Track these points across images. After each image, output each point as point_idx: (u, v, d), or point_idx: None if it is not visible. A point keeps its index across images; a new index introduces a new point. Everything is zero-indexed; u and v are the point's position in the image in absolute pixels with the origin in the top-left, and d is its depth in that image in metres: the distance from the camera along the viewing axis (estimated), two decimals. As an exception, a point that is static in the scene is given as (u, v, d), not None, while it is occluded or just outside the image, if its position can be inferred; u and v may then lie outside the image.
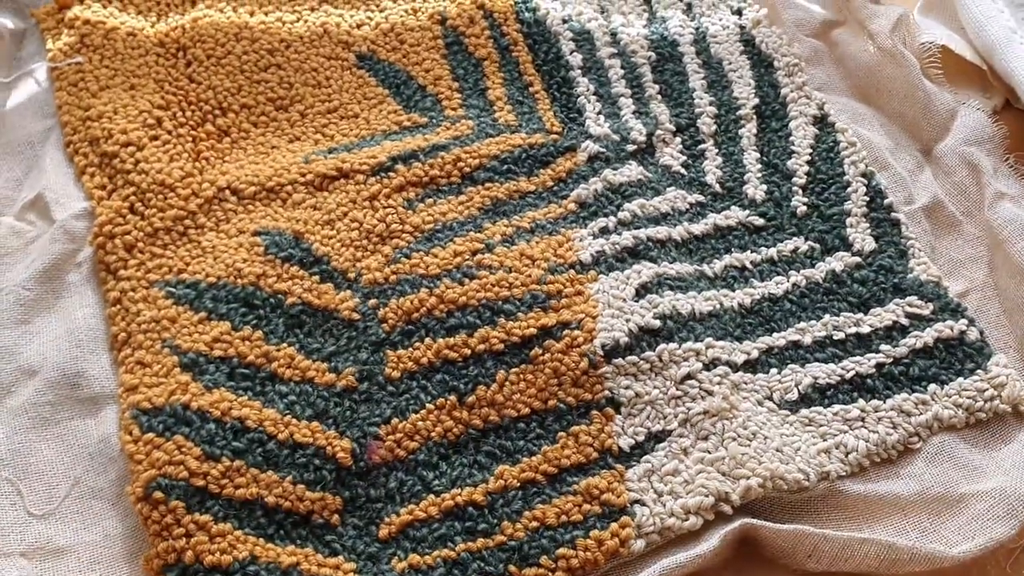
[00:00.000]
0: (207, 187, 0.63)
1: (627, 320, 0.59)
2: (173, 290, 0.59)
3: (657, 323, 0.59)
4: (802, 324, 0.60)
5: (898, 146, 0.70)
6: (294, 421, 0.55)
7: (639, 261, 0.62)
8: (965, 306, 0.61)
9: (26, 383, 0.56)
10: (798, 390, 0.58)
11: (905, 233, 0.64)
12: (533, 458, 0.55)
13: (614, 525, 0.52)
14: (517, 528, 0.52)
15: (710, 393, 0.56)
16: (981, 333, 0.60)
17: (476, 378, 0.57)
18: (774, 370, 0.59)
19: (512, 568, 0.51)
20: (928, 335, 0.60)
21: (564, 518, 0.53)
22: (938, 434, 0.57)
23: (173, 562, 0.50)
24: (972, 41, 0.72)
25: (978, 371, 0.58)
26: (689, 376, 0.57)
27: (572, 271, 0.61)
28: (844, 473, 0.55)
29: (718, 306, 0.61)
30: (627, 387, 0.57)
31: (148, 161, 0.63)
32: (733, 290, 0.62)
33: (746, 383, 0.58)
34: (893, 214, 0.65)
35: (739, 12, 0.76)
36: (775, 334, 0.60)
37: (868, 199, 0.66)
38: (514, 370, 0.57)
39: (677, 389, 0.57)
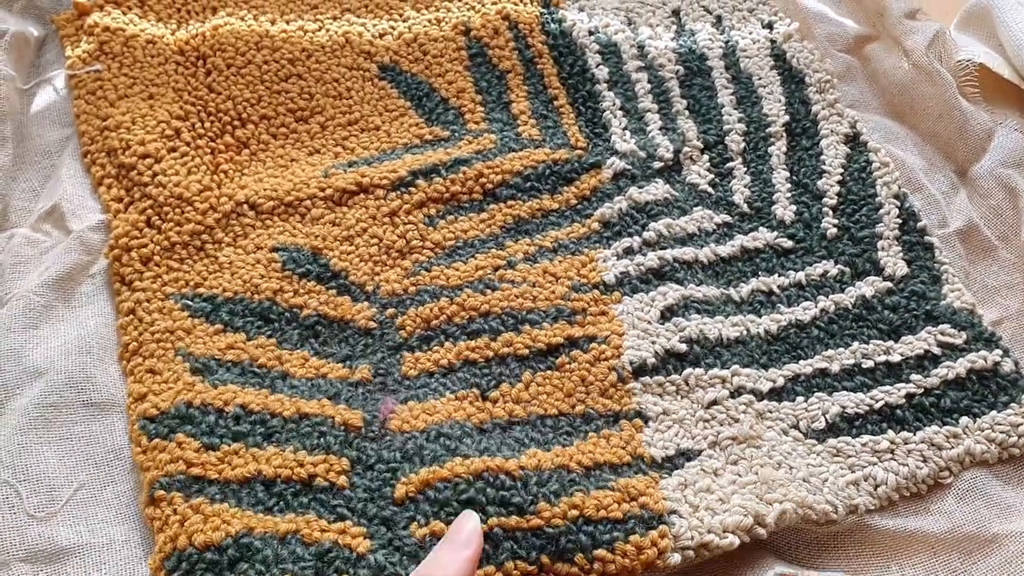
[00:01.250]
0: (225, 201, 0.62)
1: (653, 342, 0.57)
2: (190, 303, 0.58)
3: (684, 347, 0.57)
4: (830, 352, 0.59)
5: (932, 167, 0.68)
6: (302, 400, 0.53)
7: (664, 283, 0.60)
8: (999, 336, 0.59)
9: (31, 385, 0.55)
10: (825, 419, 0.56)
11: (939, 258, 0.63)
12: (566, 449, 0.53)
13: (653, 533, 0.50)
14: (556, 512, 0.49)
15: (737, 420, 0.55)
16: (1016, 364, 0.58)
17: (500, 377, 0.56)
18: (800, 398, 0.57)
19: (545, 559, 0.48)
20: (960, 366, 0.58)
21: (603, 513, 0.50)
22: (969, 469, 0.55)
23: (170, 552, 0.48)
24: (1011, 60, 0.70)
25: (1012, 404, 0.57)
26: (715, 402, 0.56)
27: (596, 291, 0.60)
28: (872, 507, 0.53)
29: (744, 332, 0.59)
30: (655, 404, 0.56)
31: (166, 174, 0.62)
32: (760, 316, 0.60)
33: (771, 411, 0.56)
34: (926, 238, 0.63)
35: (770, 26, 0.74)
36: (802, 361, 0.58)
37: (900, 221, 0.64)
38: (540, 373, 0.56)
39: (705, 412, 0.55)
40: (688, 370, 0.57)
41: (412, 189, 0.63)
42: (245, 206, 0.62)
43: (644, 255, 0.62)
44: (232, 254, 0.60)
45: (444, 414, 0.54)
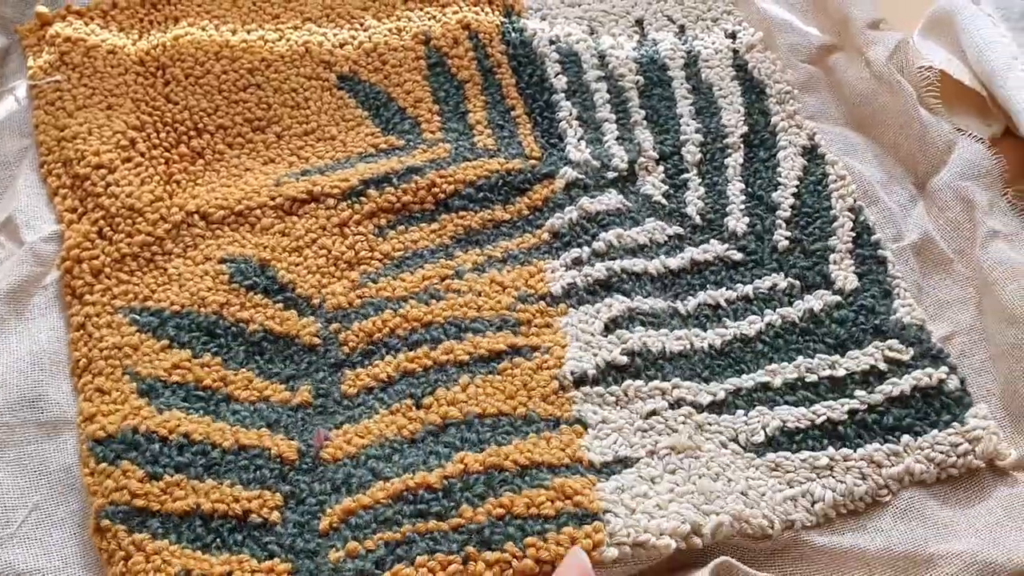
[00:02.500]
0: (176, 212, 0.63)
1: (595, 354, 0.58)
2: (137, 317, 0.59)
3: (624, 359, 0.57)
4: (773, 366, 0.58)
5: (891, 179, 0.68)
6: (243, 430, 0.54)
7: (611, 294, 0.60)
8: (947, 352, 0.59)
9: None
10: (765, 433, 0.56)
11: (891, 272, 0.62)
12: (501, 448, 0.53)
13: (587, 527, 0.50)
14: (479, 512, 0.50)
15: (675, 431, 0.55)
16: (962, 382, 0.58)
17: (436, 383, 0.56)
18: (741, 411, 0.57)
19: (471, 549, 0.49)
20: (906, 383, 0.57)
21: (535, 510, 0.51)
22: (908, 488, 0.54)
23: None
24: (971, 66, 0.69)
25: (954, 423, 0.56)
26: (655, 412, 0.56)
27: (543, 302, 0.60)
28: (809, 523, 0.53)
29: (688, 346, 0.59)
30: (595, 412, 0.56)
31: (119, 184, 0.63)
32: (705, 330, 0.60)
33: (710, 424, 0.56)
34: (879, 251, 0.63)
35: (733, 36, 0.74)
36: (744, 375, 0.58)
37: (854, 235, 0.64)
38: (480, 376, 0.56)
39: (644, 423, 0.56)
40: (628, 382, 0.57)
41: (363, 199, 0.64)
42: (196, 216, 0.63)
43: (592, 266, 0.62)
44: (181, 266, 0.61)
45: (376, 434, 0.54)
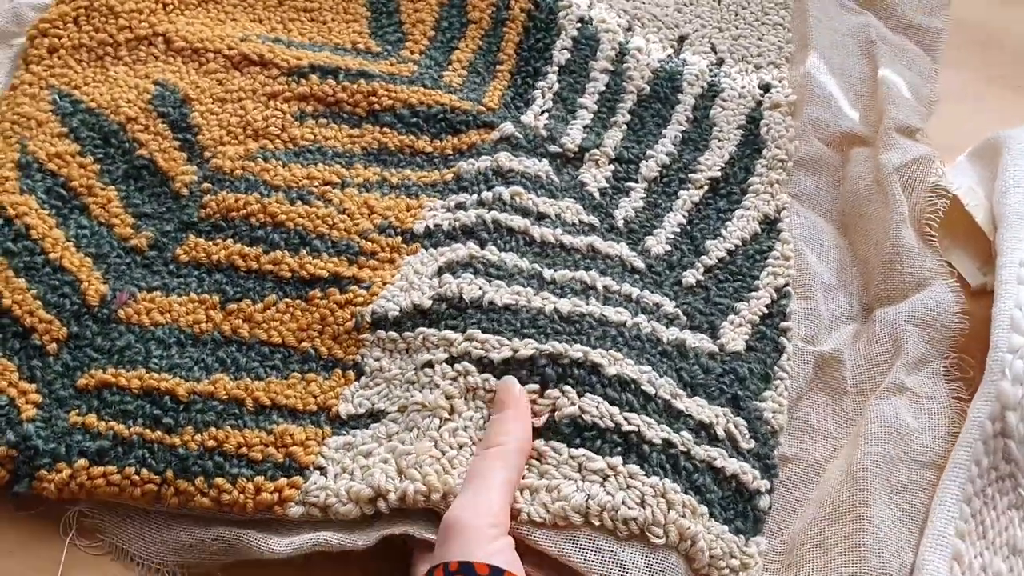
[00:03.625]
0: (145, 27, 0.65)
1: (408, 295, 0.55)
2: (58, 99, 0.62)
3: (429, 303, 0.55)
4: (616, 354, 0.52)
5: (840, 287, 0.61)
6: (72, 249, 0.56)
7: (466, 240, 0.58)
8: (777, 472, 0.53)
9: None
10: (552, 418, 0.50)
11: (781, 363, 0.56)
12: (255, 382, 0.53)
13: (283, 480, 0.50)
14: (195, 438, 0.51)
15: (437, 387, 0.52)
16: (768, 509, 0.52)
17: (248, 292, 0.56)
18: (536, 384, 0.51)
19: (169, 473, 0.50)
20: (731, 465, 0.51)
21: (243, 451, 0.51)
22: (661, 552, 0.48)
23: None
24: (993, 204, 0.61)
25: (739, 536, 0.50)
26: (430, 364, 0.53)
27: (400, 238, 0.58)
28: (540, 520, 0.48)
29: (522, 301, 0.55)
30: (376, 359, 0.54)
31: (114, -16, 0.66)
32: (561, 297, 0.55)
33: (489, 387, 0.51)
34: (782, 339, 0.57)
35: (766, 88, 0.68)
36: (575, 346, 0.52)
37: (766, 312, 0.58)
38: (286, 300, 0.56)
39: (414, 374, 0.53)
40: (421, 328, 0.54)
41: (303, 81, 0.64)
42: (160, 38, 0.65)
43: (467, 212, 0.59)
44: (122, 73, 0.63)
45: (173, 316, 0.55)
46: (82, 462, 0.50)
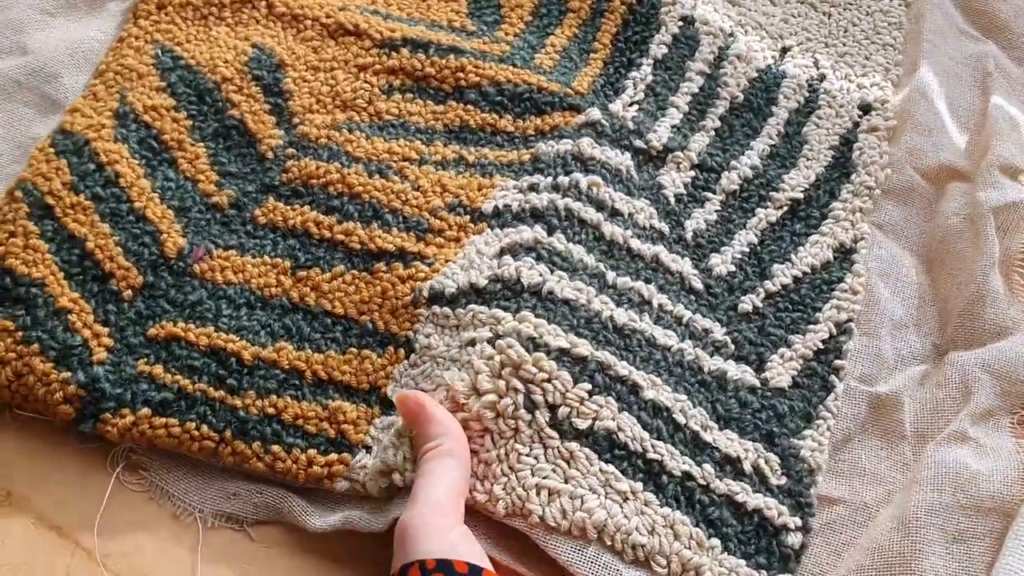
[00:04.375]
0: (252, -13, 0.66)
1: (467, 274, 0.55)
2: (160, 54, 0.64)
3: (484, 282, 0.55)
4: (656, 379, 0.53)
5: (912, 327, 0.59)
6: (156, 201, 0.58)
7: (534, 224, 0.57)
8: (813, 511, 0.51)
9: (12, 58, 0.63)
10: (592, 423, 0.50)
11: (828, 403, 0.55)
12: (315, 355, 0.54)
13: (334, 455, 0.51)
14: (256, 403, 0.52)
15: (469, 364, 0.51)
16: (802, 548, 0.50)
17: (318, 260, 0.57)
18: (586, 384, 0.51)
19: (228, 433, 0.52)
20: (754, 501, 0.51)
21: (300, 421, 0.52)
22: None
23: None
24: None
25: (760, 570, 0.49)
26: (473, 343, 0.52)
27: (468, 217, 0.59)
28: (554, 524, 0.48)
29: (582, 300, 0.54)
30: (427, 336, 0.54)
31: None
32: (618, 306, 0.55)
33: (536, 371, 0.50)
34: (831, 377, 0.55)
35: (866, 109, 0.66)
36: (620, 362, 0.52)
37: (821, 347, 0.57)
38: (352, 272, 0.57)
39: (458, 352, 0.53)
40: (473, 306, 0.54)
41: (394, 54, 0.64)
42: (263, 2, 0.66)
43: (539, 195, 0.59)
44: (223, 33, 0.65)
45: (245, 277, 0.56)
46: (145, 411, 0.52)
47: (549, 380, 0.50)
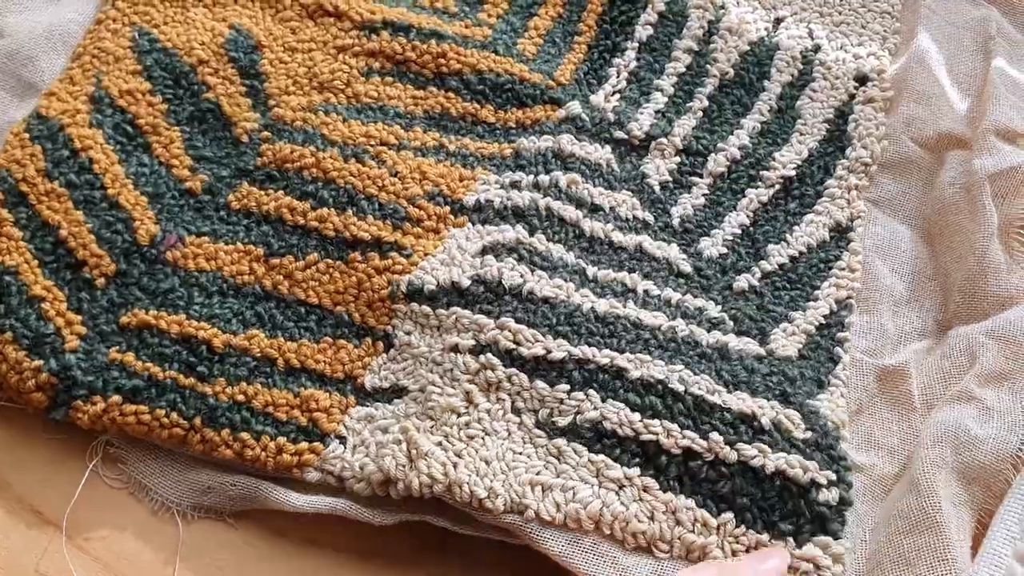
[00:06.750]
0: (231, -33, 0.65)
1: (448, 270, 0.54)
2: (137, 37, 0.63)
3: (467, 283, 0.53)
4: (643, 357, 0.51)
5: (913, 302, 0.57)
6: (130, 187, 0.57)
7: (515, 223, 0.56)
8: (849, 465, 0.49)
9: None
10: (574, 419, 0.49)
11: (837, 372, 0.53)
12: (288, 343, 0.53)
13: (304, 444, 0.51)
14: (226, 391, 0.52)
15: (456, 381, 0.51)
16: (842, 501, 0.48)
17: (292, 247, 0.56)
18: (563, 385, 0.50)
19: (197, 421, 0.51)
20: (774, 462, 0.48)
21: (270, 409, 0.51)
22: (668, 563, 0.47)
23: None
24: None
25: (801, 536, 0.47)
26: (456, 349, 0.52)
27: (448, 208, 0.57)
28: (548, 518, 0.47)
29: (561, 296, 0.53)
30: (407, 333, 0.53)
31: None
32: (599, 297, 0.54)
33: (513, 383, 0.50)
34: (838, 349, 0.54)
35: (863, 80, 0.64)
36: (602, 351, 0.51)
37: (823, 322, 0.55)
38: (327, 260, 0.55)
39: (440, 355, 0.52)
40: (455, 308, 0.53)
41: (374, 36, 0.63)
42: (241, -20, 0.65)
43: (521, 192, 0.57)
44: (201, 15, 0.64)
45: (218, 264, 0.55)
46: (116, 398, 0.51)
47: (528, 390, 0.50)
